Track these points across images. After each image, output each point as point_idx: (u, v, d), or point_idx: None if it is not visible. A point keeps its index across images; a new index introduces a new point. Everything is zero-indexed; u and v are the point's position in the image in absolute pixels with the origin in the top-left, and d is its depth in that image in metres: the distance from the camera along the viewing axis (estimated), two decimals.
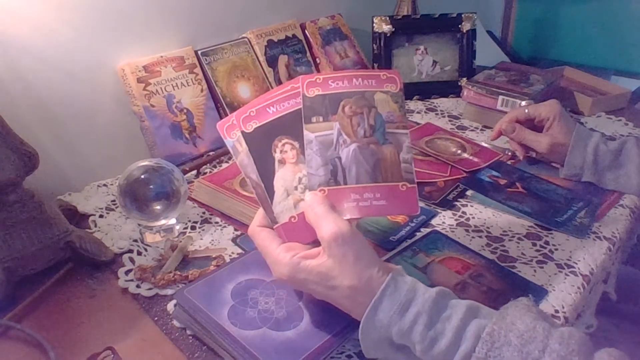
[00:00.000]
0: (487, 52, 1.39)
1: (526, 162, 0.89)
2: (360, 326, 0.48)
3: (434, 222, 0.74)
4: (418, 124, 1.02)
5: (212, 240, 0.70)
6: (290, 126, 0.55)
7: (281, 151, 0.54)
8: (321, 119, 0.55)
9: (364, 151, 0.54)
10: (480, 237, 0.71)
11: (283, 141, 0.54)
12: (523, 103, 0.96)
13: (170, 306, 0.59)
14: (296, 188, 0.54)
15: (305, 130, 0.54)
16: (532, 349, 0.43)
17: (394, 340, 0.47)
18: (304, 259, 0.49)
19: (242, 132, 0.54)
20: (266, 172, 0.53)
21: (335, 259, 0.48)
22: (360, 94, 0.56)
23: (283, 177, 0.54)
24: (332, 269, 0.48)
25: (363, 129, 0.55)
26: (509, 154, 0.92)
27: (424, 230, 0.72)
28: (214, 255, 0.66)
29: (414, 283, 0.49)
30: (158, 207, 0.67)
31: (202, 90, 0.91)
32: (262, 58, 1.01)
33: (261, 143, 0.54)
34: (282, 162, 0.54)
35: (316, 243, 0.51)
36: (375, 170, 0.54)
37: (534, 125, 0.87)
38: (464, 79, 1.13)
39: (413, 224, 0.73)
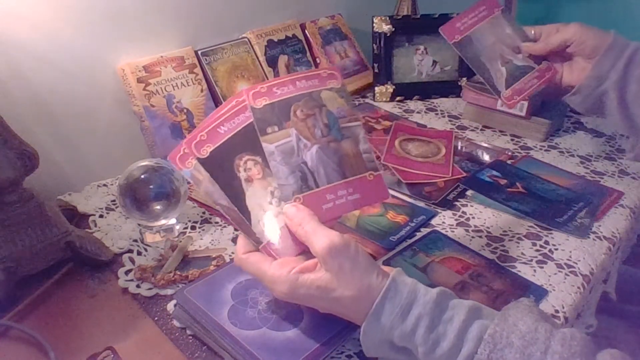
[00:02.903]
0: None
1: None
2: (362, 330, 0.48)
3: (434, 222, 0.74)
4: (420, 124, 1.02)
5: (212, 240, 0.70)
6: (247, 142, 0.52)
7: (245, 169, 0.52)
8: (276, 128, 0.53)
9: (326, 150, 0.54)
10: (480, 237, 0.71)
11: (244, 158, 0.52)
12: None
13: (170, 306, 0.59)
14: (270, 202, 0.52)
15: (264, 143, 0.52)
16: (534, 351, 0.43)
17: (396, 343, 0.47)
18: (302, 273, 0.48)
19: (198, 158, 0.51)
20: (235, 194, 0.51)
21: (332, 272, 0.48)
22: (308, 96, 0.55)
23: (254, 195, 0.52)
24: (330, 282, 0.48)
25: (319, 129, 0.55)
26: (509, 154, 0.92)
27: (424, 230, 0.72)
28: (214, 255, 0.66)
29: (414, 284, 0.48)
30: (158, 207, 0.67)
31: (202, 90, 0.91)
32: (262, 58, 1.01)
33: (221, 166, 0.52)
34: (249, 180, 0.52)
35: (307, 253, 0.50)
36: (341, 166, 0.54)
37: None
38: (464, 79, 1.13)
39: (413, 224, 0.73)
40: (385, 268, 0.51)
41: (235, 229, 0.72)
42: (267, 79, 1.01)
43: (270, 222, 0.52)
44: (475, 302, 0.48)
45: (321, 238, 0.48)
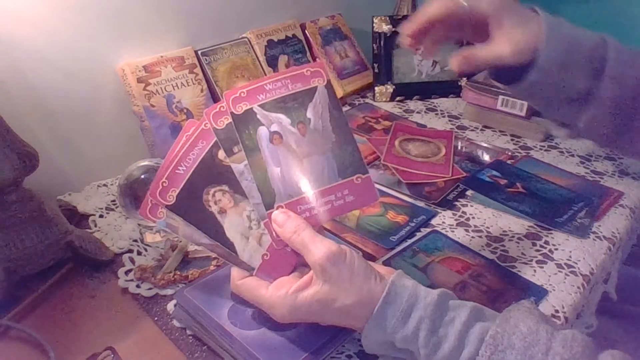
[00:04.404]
0: None
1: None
2: (363, 334, 0.48)
3: (434, 222, 0.74)
4: (420, 124, 1.02)
5: None
6: (208, 174, 0.51)
7: (215, 202, 0.51)
8: (241, 147, 0.52)
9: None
10: (480, 237, 0.71)
11: (211, 191, 0.52)
12: None
13: (170, 306, 0.59)
14: (250, 227, 0.52)
15: (232, 164, 0.51)
16: (535, 352, 0.43)
17: (397, 345, 0.48)
18: (298, 292, 0.48)
19: (167, 206, 0.51)
20: (214, 229, 0.51)
21: (331, 282, 0.47)
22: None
23: (232, 225, 0.51)
24: (330, 293, 0.47)
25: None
26: (509, 153, 0.92)
27: (424, 230, 0.72)
28: (214, 255, 0.66)
29: (414, 287, 0.48)
30: None
31: (202, 90, 0.91)
32: (262, 58, 1.01)
33: (191, 206, 0.51)
34: (222, 211, 0.51)
35: (299, 266, 0.51)
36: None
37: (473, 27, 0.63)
38: (464, 79, 1.13)
39: (413, 224, 0.73)
40: (386, 269, 0.51)
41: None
42: None
43: (256, 247, 0.51)
44: (477, 304, 0.48)
45: (319, 247, 0.48)
